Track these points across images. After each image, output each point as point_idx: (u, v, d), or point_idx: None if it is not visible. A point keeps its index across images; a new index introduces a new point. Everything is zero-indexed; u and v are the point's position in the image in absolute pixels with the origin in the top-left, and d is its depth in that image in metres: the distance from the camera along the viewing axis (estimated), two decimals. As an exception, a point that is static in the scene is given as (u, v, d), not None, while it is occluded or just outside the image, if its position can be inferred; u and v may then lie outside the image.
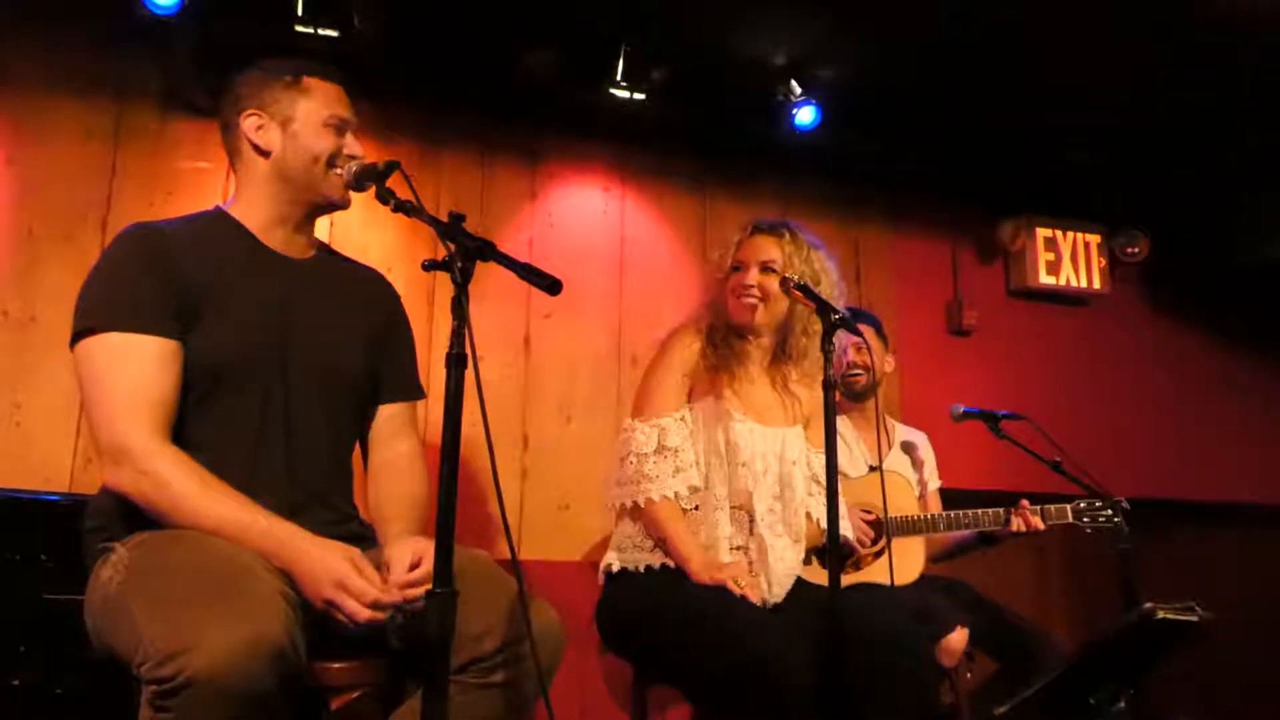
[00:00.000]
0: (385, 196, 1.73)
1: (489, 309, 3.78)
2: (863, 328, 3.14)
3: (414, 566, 1.64)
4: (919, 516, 3.02)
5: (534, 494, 3.73)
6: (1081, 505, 2.99)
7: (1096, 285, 4.65)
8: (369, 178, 1.83)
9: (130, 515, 1.69)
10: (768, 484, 2.38)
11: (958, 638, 2.75)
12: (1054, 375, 4.59)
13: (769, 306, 2.43)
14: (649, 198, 4.14)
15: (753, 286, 2.43)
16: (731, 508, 2.34)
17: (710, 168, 4.23)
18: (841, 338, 3.07)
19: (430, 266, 1.55)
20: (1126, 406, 4.67)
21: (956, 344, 4.51)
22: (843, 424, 3.18)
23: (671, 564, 2.28)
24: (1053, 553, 4.26)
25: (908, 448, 3.27)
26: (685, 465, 2.32)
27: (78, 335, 1.73)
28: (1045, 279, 4.57)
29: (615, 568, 2.37)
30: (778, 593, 2.34)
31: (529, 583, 3.13)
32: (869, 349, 3.05)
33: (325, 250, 2.07)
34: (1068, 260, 4.62)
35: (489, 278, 3.82)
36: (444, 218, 1.57)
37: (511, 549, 1.53)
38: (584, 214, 4.03)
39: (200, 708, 1.35)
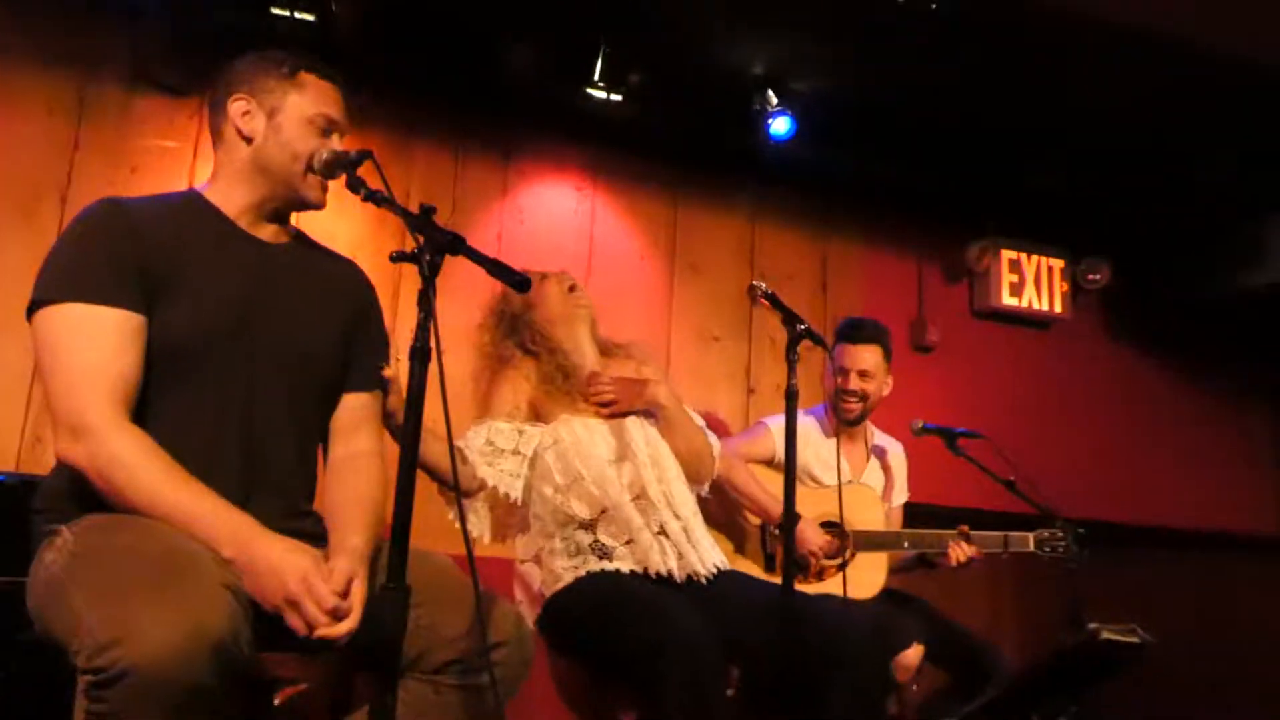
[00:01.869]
0: (356, 185, 1.70)
1: (455, 305, 3.70)
2: (868, 349, 3.17)
3: (344, 593, 1.57)
4: (883, 532, 3.04)
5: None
6: (1045, 535, 3.01)
7: (1058, 309, 4.72)
8: (340, 166, 1.80)
9: (81, 498, 1.64)
10: (649, 470, 2.41)
11: (913, 654, 2.76)
12: (1013, 395, 4.65)
13: None
14: (620, 200, 4.14)
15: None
16: (635, 499, 2.36)
17: (683, 174, 4.24)
18: (838, 358, 3.14)
19: (398, 258, 1.53)
20: (1083, 429, 4.75)
21: (919, 360, 4.55)
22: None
23: (609, 566, 2.29)
24: (1005, 571, 4.30)
25: (878, 452, 3.28)
26: (517, 470, 2.37)
27: (36, 305, 1.68)
28: (1008, 300, 4.63)
29: (548, 596, 2.36)
30: (710, 561, 2.37)
31: (492, 581, 3.13)
32: (871, 376, 3.11)
33: (300, 237, 2.03)
34: (1031, 283, 4.68)
35: (456, 274, 3.75)
36: (415, 210, 1.55)
37: (468, 547, 1.51)
38: (555, 213, 4.03)
39: (137, 699, 1.31)
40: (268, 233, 1.91)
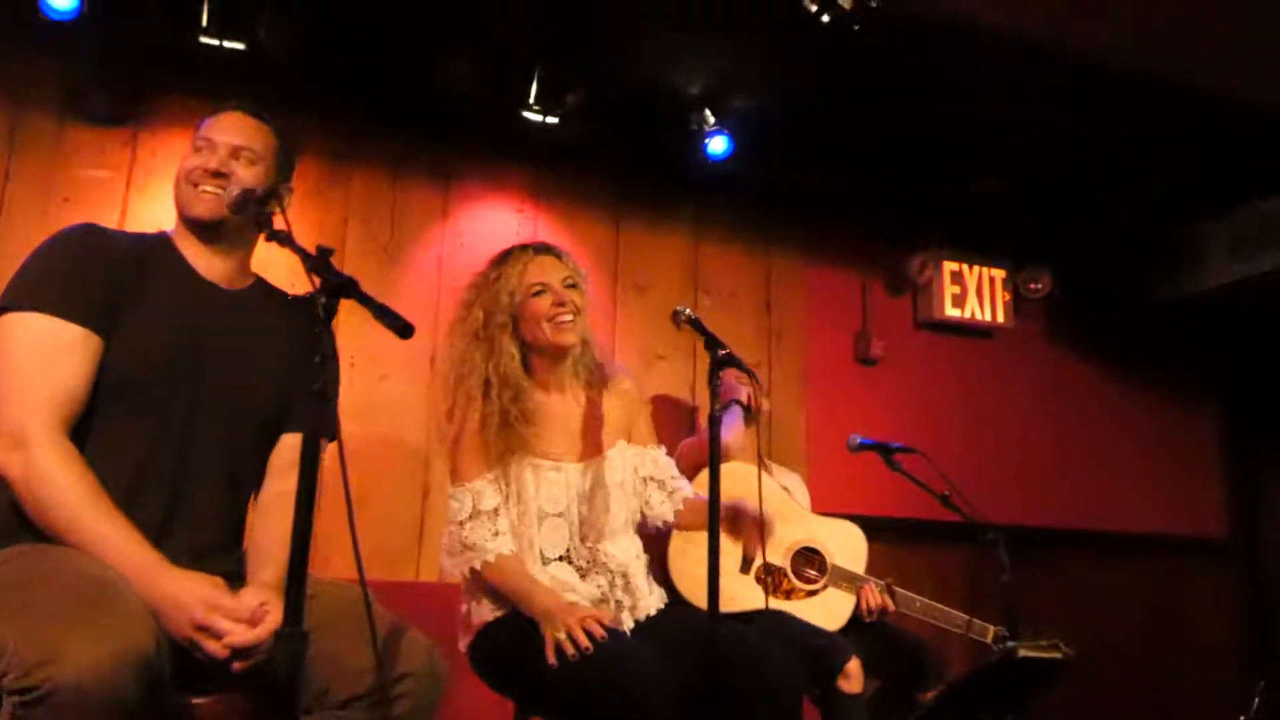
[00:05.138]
0: (261, 224, 1.72)
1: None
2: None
3: (256, 620, 1.61)
4: (859, 576, 3.11)
5: (435, 512, 3.70)
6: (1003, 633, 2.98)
7: (1000, 319, 4.77)
8: (247, 204, 1.82)
9: (6, 533, 1.67)
10: (577, 528, 2.34)
11: (854, 666, 2.78)
12: (958, 405, 4.70)
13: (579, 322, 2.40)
14: (561, 220, 4.15)
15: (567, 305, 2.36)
16: (560, 558, 2.31)
17: (624, 193, 4.26)
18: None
19: (295, 301, 1.53)
20: (1027, 436, 4.81)
21: (864, 373, 4.59)
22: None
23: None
24: (955, 583, 4.35)
25: (787, 492, 3.32)
26: (503, 529, 2.25)
27: (1, 310, 1.72)
28: (951, 311, 4.68)
29: (478, 627, 2.32)
30: (645, 608, 2.34)
31: (433, 606, 3.11)
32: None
33: (260, 283, 2.08)
34: (973, 294, 4.73)
35: (395, 295, 3.79)
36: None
37: (361, 577, 1.52)
38: (495, 234, 4.02)
39: (64, 717, 1.34)
40: (226, 277, 1.97)
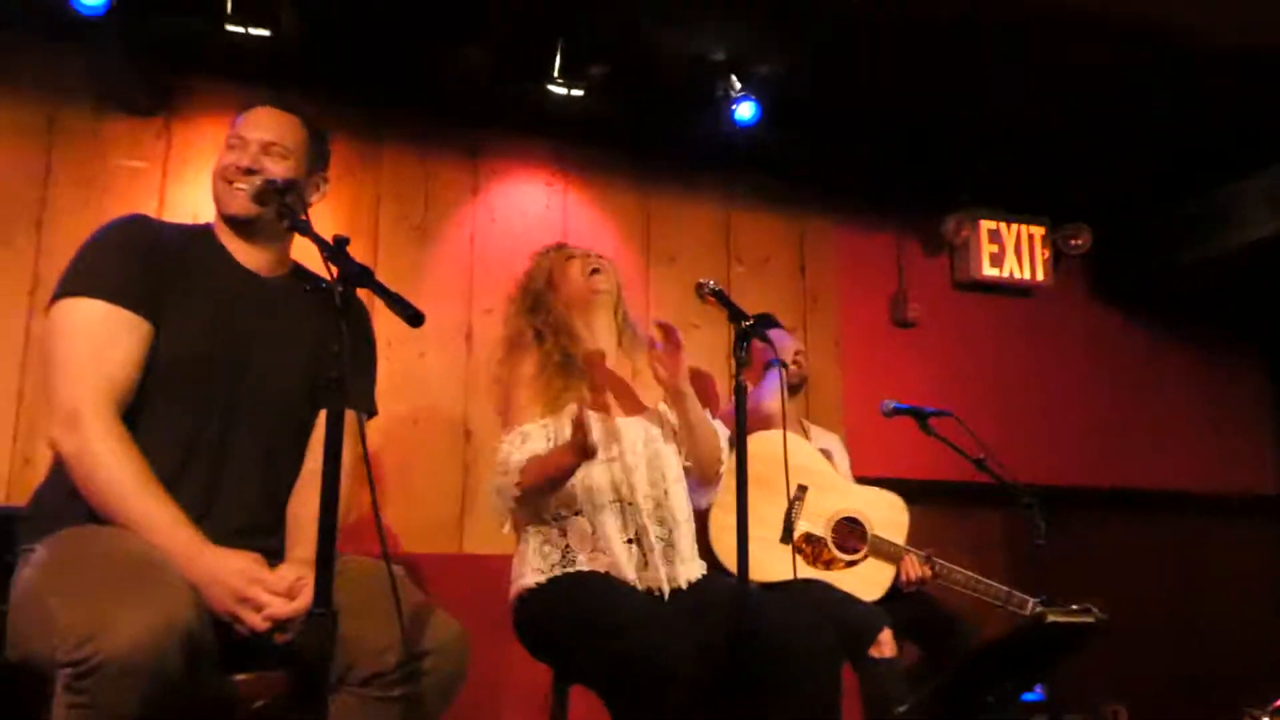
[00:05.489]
0: (283, 214, 1.76)
1: (429, 304, 3.73)
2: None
3: (294, 593, 1.67)
4: (897, 545, 3.08)
5: (478, 487, 3.75)
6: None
7: (1040, 277, 4.70)
8: (269, 195, 1.86)
9: (59, 516, 1.74)
10: (642, 473, 2.37)
11: (886, 636, 2.78)
12: (998, 366, 4.65)
13: None
14: (591, 193, 4.16)
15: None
16: (612, 502, 2.33)
17: (652, 163, 4.24)
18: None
19: (312, 289, 1.56)
20: (1067, 395, 4.75)
21: (901, 335, 4.56)
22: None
23: (571, 570, 2.30)
24: (994, 547, 4.33)
25: (827, 455, 3.31)
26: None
27: (55, 298, 1.81)
28: (989, 271, 4.62)
29: (520, 591, 2.36)
30: (681, 578, 2.35)
31: (475, 577, 3.17)
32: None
33: (296, 269, 2.12)
34: (1011, 252, 4.66)
35: (429, 273, 3.84)
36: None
37: (385, 555, 1.56)
38: (526, 209, 4.05)
39: (113, 687, 1.41)
40: (263, 265, 2.02)
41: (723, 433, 2.53)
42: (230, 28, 3.25)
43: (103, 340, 1.76)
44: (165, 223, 2.04)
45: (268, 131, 1.99)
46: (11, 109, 3.44)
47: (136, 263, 1.83)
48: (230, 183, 1.95)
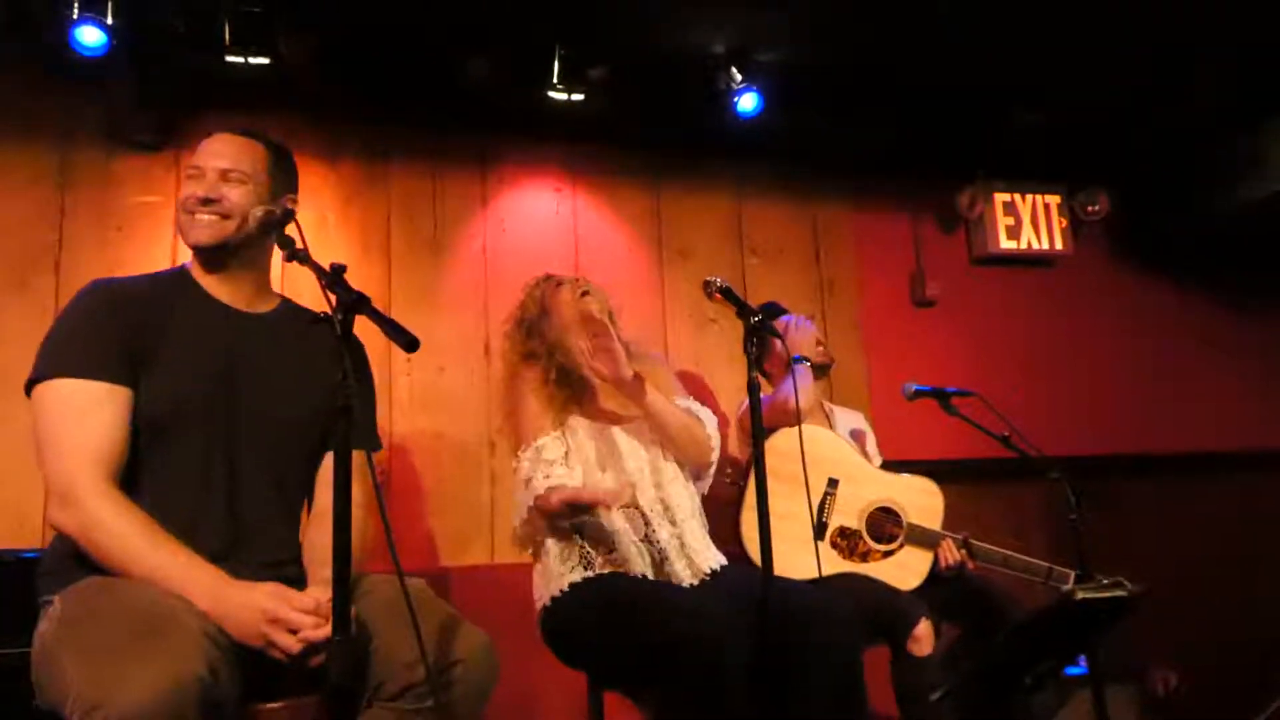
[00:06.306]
0: (283, 243, 1.77)
1: (446, 319, 3.81)
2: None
3: (324, 614, 1.66)
4: (934, 532, 3.06)
5: (504, 499, 3.77)
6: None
7: (1059, 246, 4.63)
8: (270, 227, 1.88)
9: (73, 567, 1.76)
10: (643, 475, 2.45)
11: (923, 629, 2.76)
12: (1021, 339, 4.59)
13: None
14: (601, 195, 4.15)
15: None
16: (619, 508, 2.40)
17: (660, 161, 4.23)
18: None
19: (313, 321, 1.57)
20: (1098, 363, 4.68)
21: (921, 315, 4.51)
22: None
23: (591, 574, 2.32)
24: (1034, 522, 4.29)
25: (856, 436, 3.29)
26: (559, 475, 2.38)
27: (31, 383, 1.83)
28: (1006, 244, 4.56)
29: (546, 602, 2.41)
30: (700, 569, 2.41)
31: (505, 588, 3.18)
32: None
33: (286, 304, 2.14)
34: (1028, 223, 4.60)
35: (444, 287, 3.85)
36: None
37: (398, 568, 1.58)
38: (536, 216, 4.05)
39: None
40: (247, 301, 2.04)
41: (707, 419, 2.57)
42: (230, 58, 3.28)
43: (79, 415, 1.78)
44: (132, 278, 2.05)
45: (224, 159, 1.99)
46: (24, 153, 3.49)
47: (100, 332, 1.85)
48: (192, 213, 1.96)
